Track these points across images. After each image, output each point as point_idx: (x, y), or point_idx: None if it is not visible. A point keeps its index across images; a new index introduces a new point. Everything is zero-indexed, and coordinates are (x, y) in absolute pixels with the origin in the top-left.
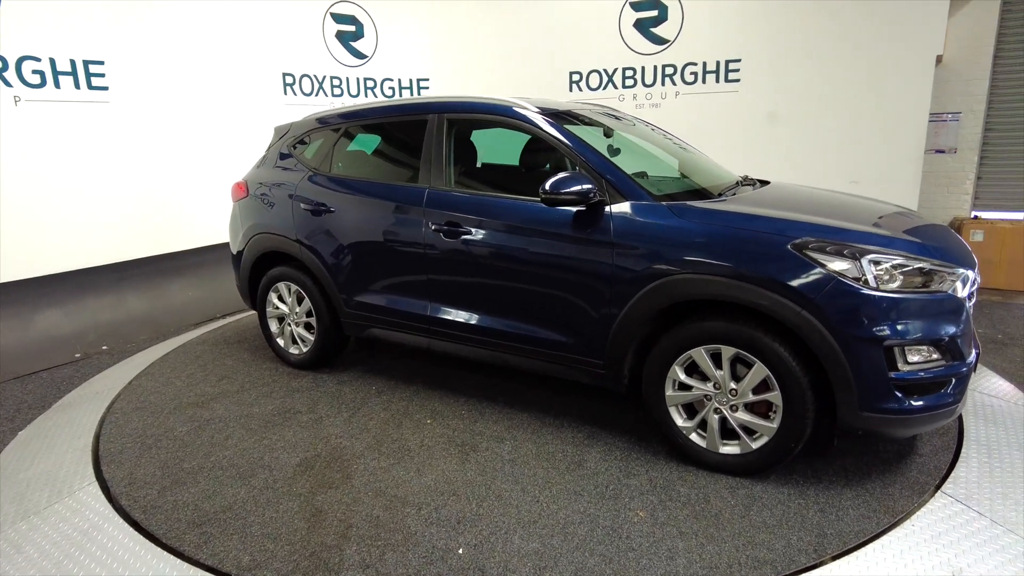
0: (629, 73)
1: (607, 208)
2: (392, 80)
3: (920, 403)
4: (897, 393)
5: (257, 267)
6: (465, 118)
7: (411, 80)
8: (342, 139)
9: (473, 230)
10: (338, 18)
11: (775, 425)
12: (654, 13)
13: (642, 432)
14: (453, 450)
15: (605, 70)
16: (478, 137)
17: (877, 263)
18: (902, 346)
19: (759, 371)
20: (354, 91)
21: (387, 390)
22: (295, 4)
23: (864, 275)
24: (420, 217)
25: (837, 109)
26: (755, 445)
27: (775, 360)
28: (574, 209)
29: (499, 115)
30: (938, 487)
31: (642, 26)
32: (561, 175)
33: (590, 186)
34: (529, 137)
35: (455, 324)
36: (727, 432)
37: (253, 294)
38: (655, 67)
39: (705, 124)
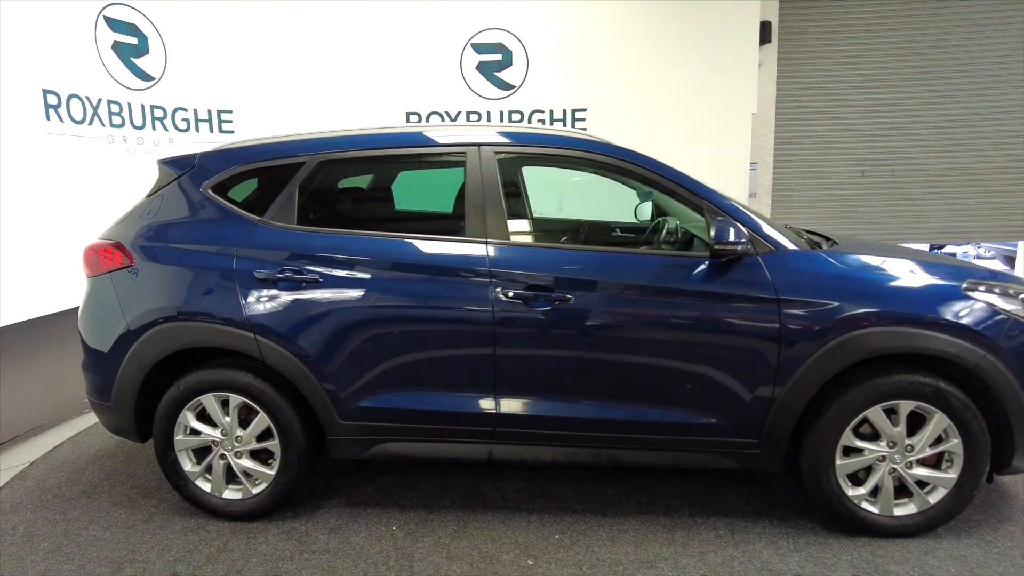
0: (474, 118)
1: (758, 259)
2: (186, 110)
3: None
4: None
5: (157, 375)
6: (525, 153)
7: (209, 111)
8: (320, 177)
9: (575, 295)
10: (114, 24)
11: (954, 475)
12: (498, 57)
13: (784, 509)
14: None
15: (447, 112)
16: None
17: None
18: None
19: (939, 422)
20: (137, 121)
21: (419, 527)
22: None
23: None
24: (482, 281)
25: (672, 159)
26: (933, 500)
27: (960, 409)
28: (704, 264)
29: (583, 151)
30: None
31: (485, 69)
32: (719, 222)
33: (745, 234)
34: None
35: (540, 421)
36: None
37: (144, 417)
38: (500, 112)
39: (549, 174)
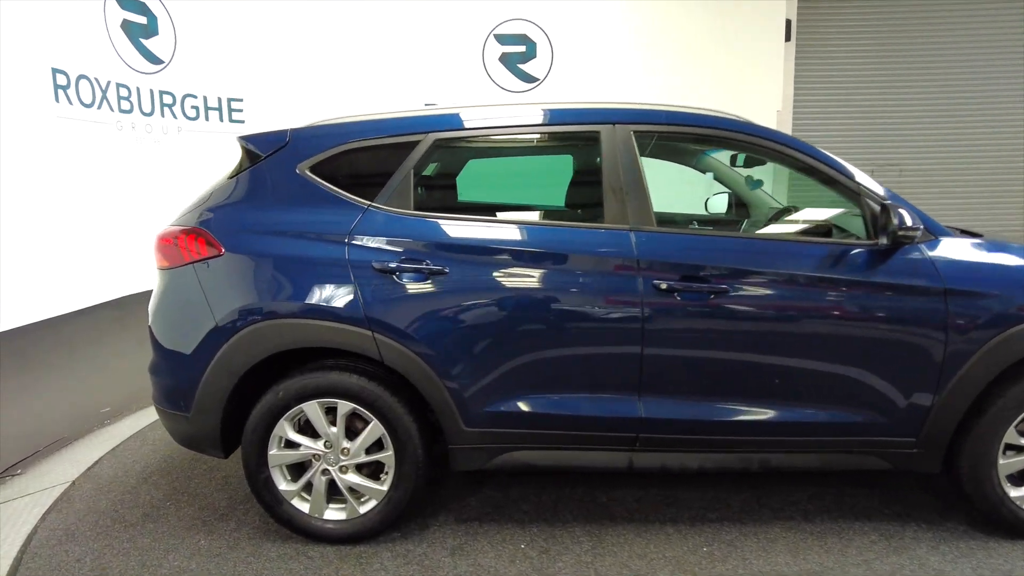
0: None
1: (921, 247)
2: (196, 96)
3: None
4: None
5: (250, 380)
6: (664, 132)
7: (219, 98)
8: (436, 157)
9: (732, 286)
10: (123, 2)
11: None
12: (522, 48)
13: (925, 511)
14: None
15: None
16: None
17: None
18: None
19: None
20: (146, 107)
21: (551, 545)
22: None
23: None
24: (629, 272)
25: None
26: None
27: None
28: (865, 252)
29: (730, 131)
30: None
31: (509, 61)
32: (891, 207)
33: (919, 220)
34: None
35: (689, 425)
36: None
37: (232, 428)
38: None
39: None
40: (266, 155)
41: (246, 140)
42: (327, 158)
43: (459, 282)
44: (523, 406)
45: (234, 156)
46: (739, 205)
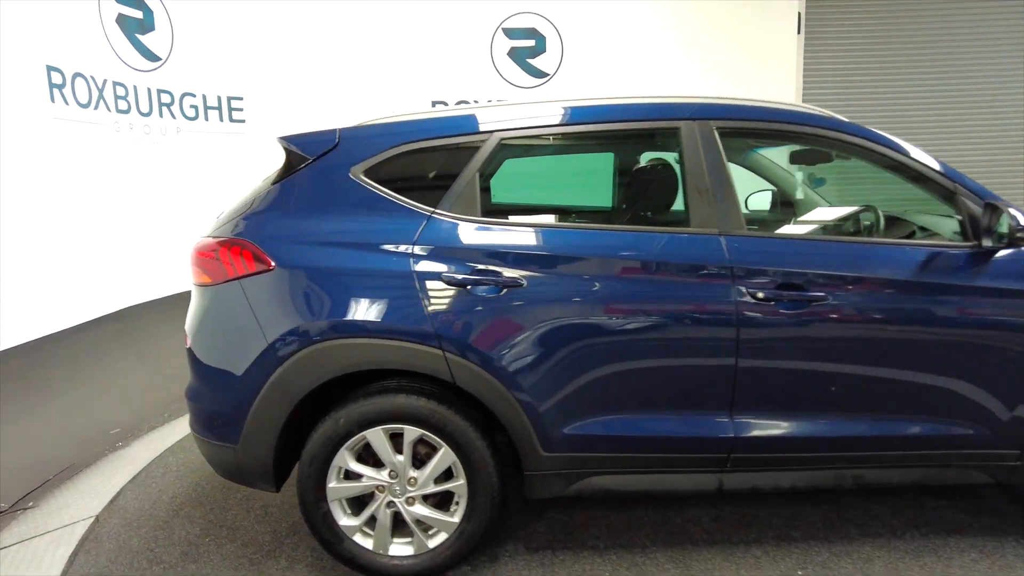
0: None
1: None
2: (194, 95)
3: None
4: None
5: (305, 406)
6: (749, 129)
7: (219, 97)
8: (501, 159)
9: (831, 294)
10: None
11: None
12: (531, 43)
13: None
14: None
15: (476, 102)
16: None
17: None
18: None
19: None
20: (144, 107)
21: (635, 574)
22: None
23: None
24: (722, 280)
25: None
26: None
27: None
28: (968, 256)
29: (820, 129)
30: None
31: (518, 56)
32: (1009, 207)
33: None
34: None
35: (783, 442)
36: None
37: (285, 459)
38: None
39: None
40: (314, 158)
41: (289, 141)
42: (382, 161)
43: (537, 294)
44: (605, 428)
45: (234, 157)
46: (784, 204)
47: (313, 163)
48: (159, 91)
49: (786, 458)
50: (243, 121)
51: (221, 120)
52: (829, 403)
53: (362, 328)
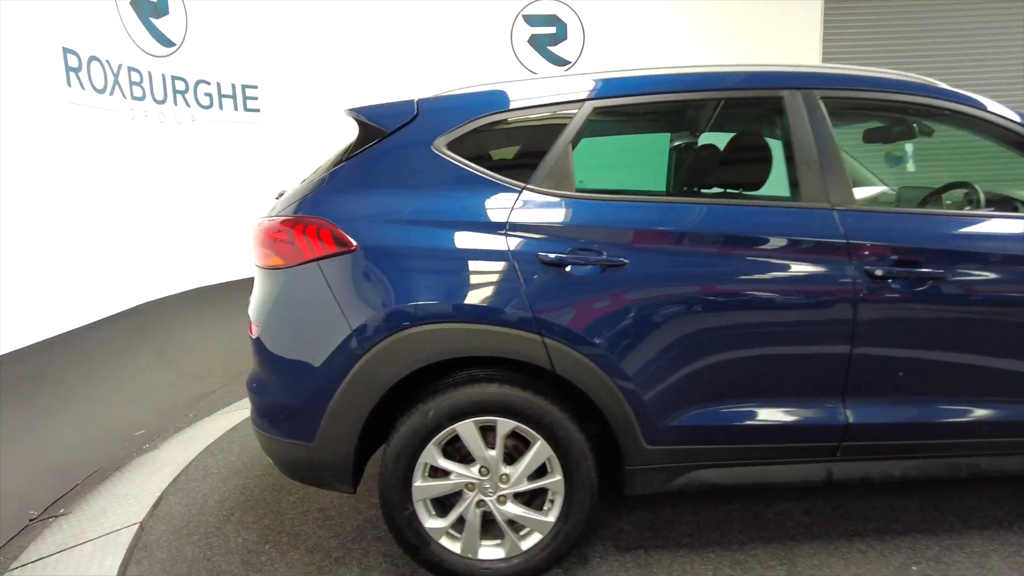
0: None
1: None
2: (209, 83)
3: None
4: None
5: (391, 399)
6: (859, 99)
7: (233, 85)
8: (593, 130)
9: (950, 270)
10: None
11: None
12: (552, 30)
13: None
14: None
15: None
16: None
17: None
18: None
19: None
20: (159, 94)
21: (740, 573)
22: None
23: None
24: (837, 257)
25: None
26: None
27: None
28: None
29: (937, 99)
30: None
31: (539, 43)
32: None
33: None
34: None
35: (897, 430)
36: None
37: (363, 458)
38: None
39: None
40: (390, 131)
41: (360, 113)
42: (466, 133)
43: (641, 274)
44: (713, 418)
45: (249, 148)
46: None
47: (390, 137)
48: (173, 78)
49: (900, 446)
50: (258, 111)
51: (236, 109)
52: (947, 386)
53: (455, 313)
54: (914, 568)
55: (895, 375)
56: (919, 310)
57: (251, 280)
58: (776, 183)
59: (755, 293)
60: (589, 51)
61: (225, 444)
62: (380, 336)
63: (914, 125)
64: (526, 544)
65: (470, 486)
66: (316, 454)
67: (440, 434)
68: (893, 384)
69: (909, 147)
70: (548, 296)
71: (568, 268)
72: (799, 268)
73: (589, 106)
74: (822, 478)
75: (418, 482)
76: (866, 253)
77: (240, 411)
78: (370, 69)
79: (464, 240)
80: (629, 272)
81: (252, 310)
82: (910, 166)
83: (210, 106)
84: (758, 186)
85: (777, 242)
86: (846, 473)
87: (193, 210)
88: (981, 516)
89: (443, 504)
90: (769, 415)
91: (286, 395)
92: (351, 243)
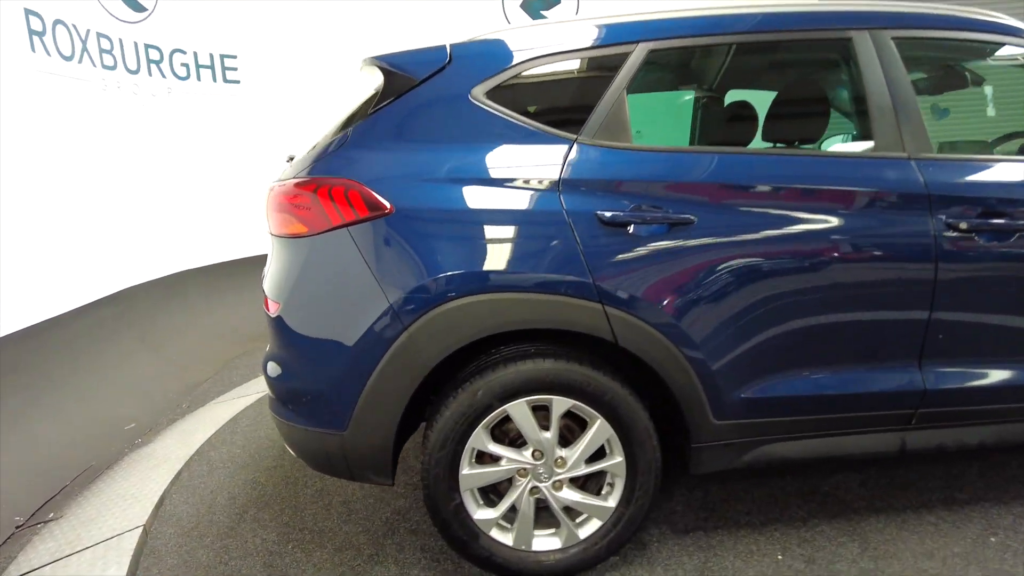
0: None
1: None
2: (185, 52)
3: None
4: None
5: (433, 377)
6: (935, 40)
7: (211, 55)
8: (648, 74)
9: None
10: None
11: None
12: None
13: None
14: None
15: None
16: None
17: None
18: None
19: None
20: (131, 64)
21: (812, 552)
22: None
23: None
24: (918, 210)
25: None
26: None
27: None
28: None
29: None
30: None
31: (532, 8)
32: None
33: None
34: None
35: (974, 394)
36: None
37: (400, 441)
38: None
39: None
40: (421, 79)
41: (384, 60)
42: (507, 80)
43: (709, 233)
44: (784, 388)
45: (230, 121)
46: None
47: (421, 86)
48: (147, 46)
49: (977, 411)
50: (238, 82)
51: (214, 80)
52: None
53: (507, 282)
54: (992, 539)
55: (975, 336)
56: (1000, 265)
57: (239, 262)
58: (844, 132)
59: (830, 251)
60: (584, 16)
61: (227, 436)
62: (422, 309)
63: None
64: (584, 532)
65: (522, 472)
66: (350, 444)
67: (489, 416)
68: (972, 345)
69: (988, 90)
70: (609, 260)
71: (631, 228)
72: (877, 223)
73: (644, 48)
74: (896, 448)
75: (465, 470)
76: (948, 205)
77: (237, 400)
78: (354, 36)
79: (512, 199)
80: (696, 230)
81: (269, 285)
82: (990, 111)
83: (187, 77)
84: (823, 136)
85: (852, 195)
86: (921, 442)
87: (172, 188)
88: None
89: (489, 493)
90: (844, 383)
91: (314, 379)
92: (384, 205)
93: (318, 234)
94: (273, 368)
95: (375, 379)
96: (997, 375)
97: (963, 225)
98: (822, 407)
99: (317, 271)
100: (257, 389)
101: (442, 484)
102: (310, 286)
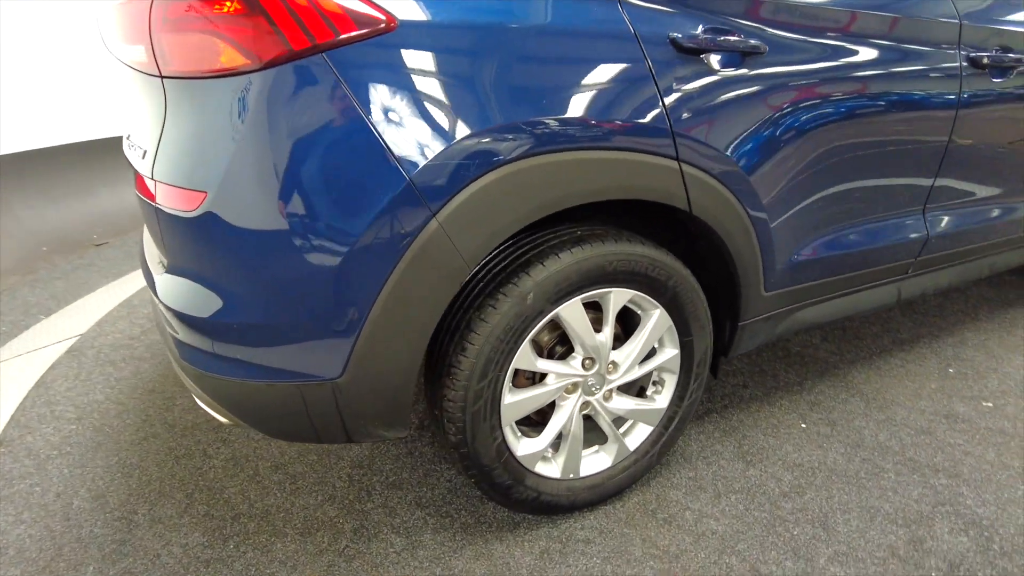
0: None
1: None
2: None
3: None
4: None
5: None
6: None
7: None
8: None
9: None
10: None
11: None
12: None
13: None
14: None
15: None
16: None
17: None
18: None
19: None
20: None
21: (835, 413)
22: None
23: None
24: (950, 40)
25: None
26: None
27: None
28: None
29: None
30: None
31: None
32: None
33: None
34: None
35: (962, 237)
36: None
37: (433, 361)
38: None
39: None
40: None
41: None
42: None
43: (779, 67)
44: (823, 248)
45: None
46: None
47: None
48: None
49: (963, 252)
50: None
51: None
52: (1009, 186)
53: (571, 134)
54: (951, 371)
55: (974, 175)
56: (1003, 105)
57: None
58: None
59: (881, 91)
60: None
61: (43, 407)
62: (459, 184)
63: None
64: (633, 442)
65: (570, 388)
66: (349, 393)
67: (539, 325)
68: (970, 185)
69: None
70: (685, 99)
71: (705, 57)
72: (916, 58)
73: None
74: (895, 299)
75: (507, 398)
76: (974, 37)
77: (34, 353)
78: None
79: (566, 12)
80: (766, 62)
81: (167, 164)
82: None
83: None
84: None
85: (896, 23)
86: (911, 290)
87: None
88: (987, 309)
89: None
90: (867, 237)
91: (283, 308)
92: (381, 17)
93: (269, 66)
94: (196, 299)
95: (387, 296)
96: (978, 217)
97: (985, 60)
98: (846, 266)
99: (273, 131)
100: (60, 334)
101: (483, 424)
102: (264, 159)
